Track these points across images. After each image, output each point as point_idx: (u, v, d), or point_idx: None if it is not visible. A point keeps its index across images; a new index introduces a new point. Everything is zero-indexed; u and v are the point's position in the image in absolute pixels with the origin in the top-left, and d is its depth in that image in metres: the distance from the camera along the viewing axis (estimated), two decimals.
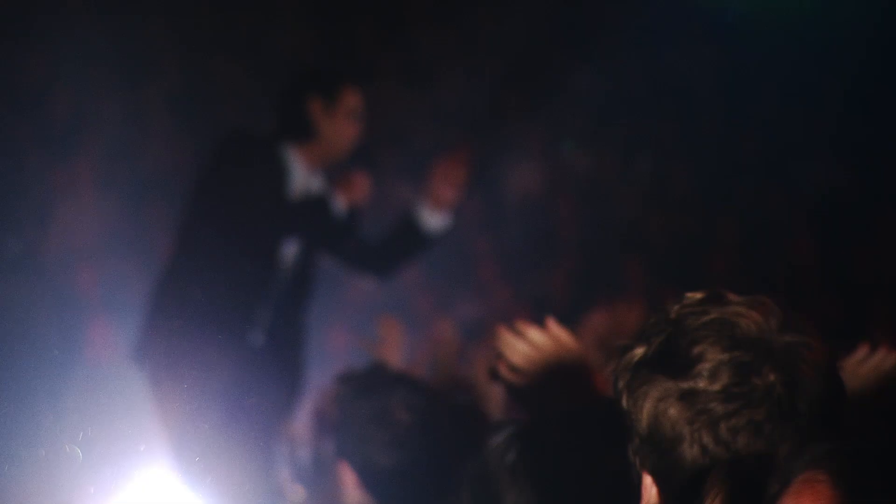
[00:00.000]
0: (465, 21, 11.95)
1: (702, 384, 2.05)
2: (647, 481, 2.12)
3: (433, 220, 6.03)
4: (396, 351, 5.16)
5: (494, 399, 4.85)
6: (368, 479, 3.37)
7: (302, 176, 5.69)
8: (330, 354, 8.64)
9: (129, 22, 11.53)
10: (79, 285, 9.58)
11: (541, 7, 12.11)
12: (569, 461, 2.64)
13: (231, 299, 5.57)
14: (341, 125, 5.68)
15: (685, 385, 2.05)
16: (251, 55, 11.82)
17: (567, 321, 3.15)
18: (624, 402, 2.12)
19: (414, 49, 12.24)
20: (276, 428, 5.66)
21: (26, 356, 8.83)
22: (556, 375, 2.90)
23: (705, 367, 2.05)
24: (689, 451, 2.05)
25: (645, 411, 2.08)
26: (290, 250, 5.69)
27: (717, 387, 2.04)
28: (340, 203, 6.06)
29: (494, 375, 3.10)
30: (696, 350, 2.06)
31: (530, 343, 2.95)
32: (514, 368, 2.94)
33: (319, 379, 7.17)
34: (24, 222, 10.22)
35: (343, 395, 3.40)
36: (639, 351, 2.12)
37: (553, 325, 2.96)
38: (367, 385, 3.40)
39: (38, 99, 10.89)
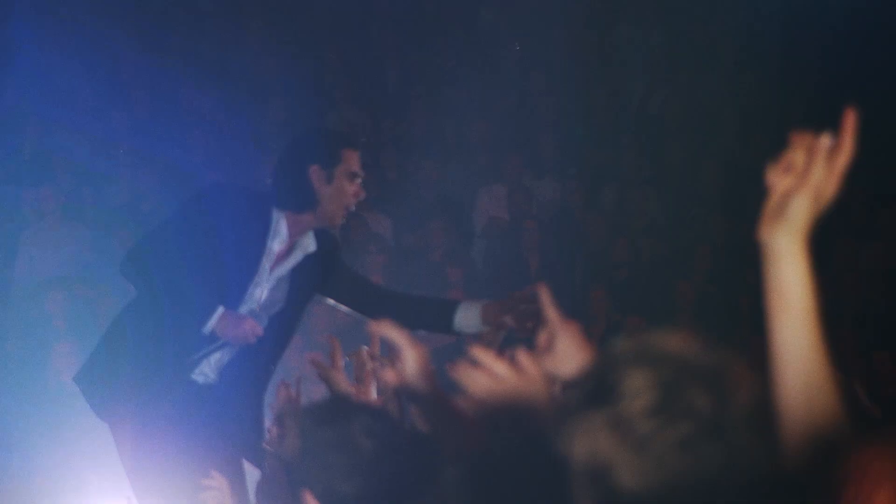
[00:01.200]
0: (432, 53, 12.01)
1: (625, 406, 2.03)
2: None
3: (473, 326, 5.76)
4: (341, 371, 5.16)
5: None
6: None
7: (287, 236, 5.61)
8: (309, 381, 8.63)
9: (96, 53, 11.54)
10: (46, 312, 9.56)
11: (506, 38, 12.19)
12: (518, 494, 2.64)
13: (187, 338, 5.47)
14: (343, 189, 5.60)
15: (610, 412, 2.04)
16: (218, 84, 11.85)
17: (532, 347, 3.14)
18: (561, 449, 2.10)
19: (383, 79, 12.29)
20: (229, 460, 5.60)
21: None
22: (514, 406, 2.84)
23: (627, 389, 2.04)
24: (625, 477, 2.03)
25: (577, 449, 2.06)
26: (260, 292, 5.62)
27: (640, 406, 2.02)
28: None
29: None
30: (617, 375, 2.06)
31: (490, 374, 2.86)
32: (473, 399, 2.87)
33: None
34: None
35: (304, 424, 3.40)
36: (569, 396, 2.14)
37: (521, 355, 2.88)
38: (328, 413, 3.40)
39: (7, 129, 10.88)
